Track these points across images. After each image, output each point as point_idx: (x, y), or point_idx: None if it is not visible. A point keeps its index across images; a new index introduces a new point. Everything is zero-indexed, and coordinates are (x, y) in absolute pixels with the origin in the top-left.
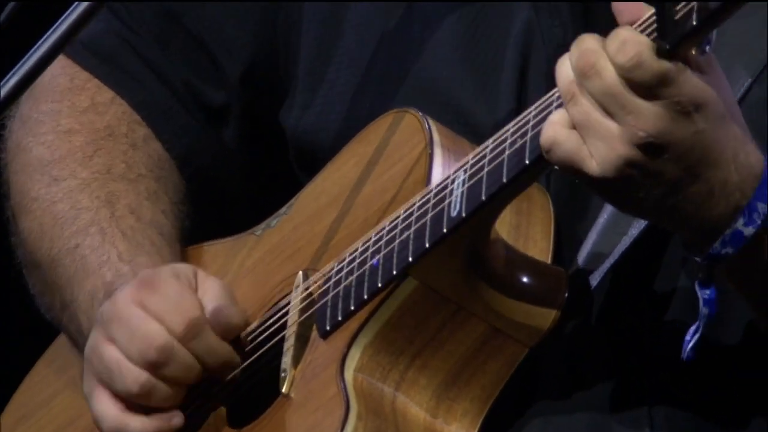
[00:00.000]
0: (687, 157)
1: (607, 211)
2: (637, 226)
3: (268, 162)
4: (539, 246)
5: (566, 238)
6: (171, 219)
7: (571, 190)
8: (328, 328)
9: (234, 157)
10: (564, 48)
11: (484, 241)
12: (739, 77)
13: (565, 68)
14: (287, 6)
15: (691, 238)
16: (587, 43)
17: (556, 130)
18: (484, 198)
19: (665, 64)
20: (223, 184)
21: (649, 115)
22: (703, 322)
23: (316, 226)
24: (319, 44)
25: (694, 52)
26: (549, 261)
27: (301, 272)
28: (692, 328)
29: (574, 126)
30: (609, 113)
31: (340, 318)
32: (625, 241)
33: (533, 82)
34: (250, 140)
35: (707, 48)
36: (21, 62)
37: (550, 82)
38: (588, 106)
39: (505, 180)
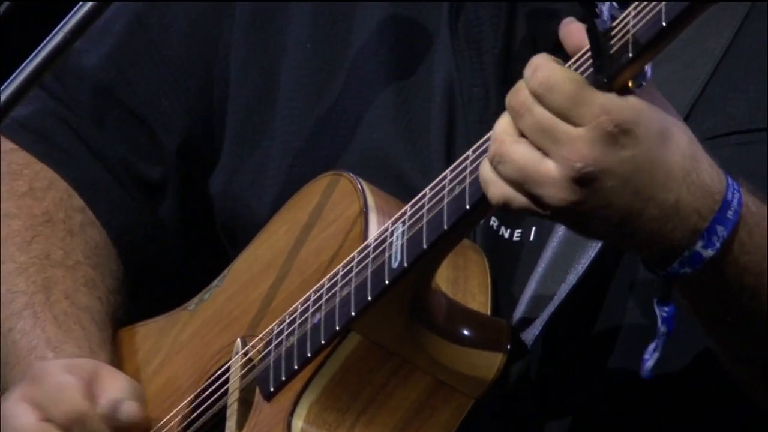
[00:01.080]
0: (632, 181)
1: (545, 261)
2: (575, 273)
3: (205, 235)
4: (478, 300)
5: (504, 291)
6: (106, 306)
7: (497, 246)
8: (272, 389)
9: (170, 233)
10: (486, 107)
11: (426, 293)
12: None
13: (502, 120)
14: (220, 75)
15: (651, 258)
16: (520, 83)
17: (500, 185)
18: (425, 246)
19: (576, 84)
20: (160, 260)
21: (579, 143)
22: (662, 340)
23: (251, 294)
24: (251, 111)
25: (630, 85)
26: (489, 314)
27: (239, 339)
28: (651, 347)
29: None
30: (545, 152)
31: (283, 378)
32: (564, 289)
33: (459, 143)
34: (187, 214)
35: (643, 81)
36: (23, 65)
37: (474, 142)
38: (526, 152)
39: (445, 227)
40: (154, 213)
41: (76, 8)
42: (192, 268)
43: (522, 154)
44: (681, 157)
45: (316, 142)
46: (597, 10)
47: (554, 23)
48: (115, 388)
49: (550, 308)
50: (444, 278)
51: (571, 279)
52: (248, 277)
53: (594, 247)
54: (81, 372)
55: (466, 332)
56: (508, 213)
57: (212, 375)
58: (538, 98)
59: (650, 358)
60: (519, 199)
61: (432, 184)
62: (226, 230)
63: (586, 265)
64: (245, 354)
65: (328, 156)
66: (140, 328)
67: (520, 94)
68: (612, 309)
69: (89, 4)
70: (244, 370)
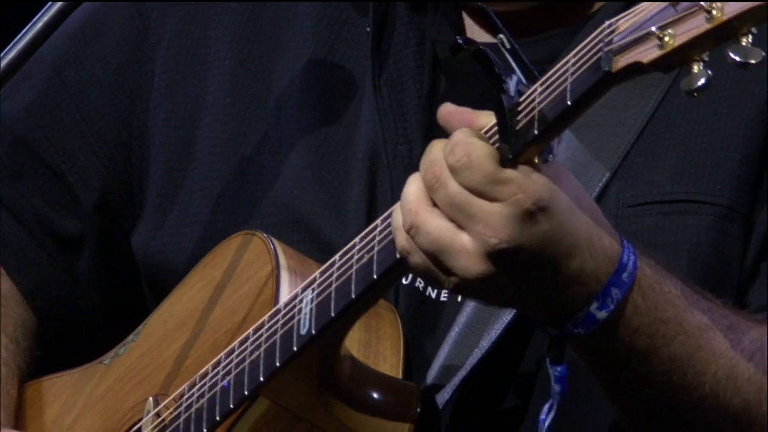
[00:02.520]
0: (540, 255)
1: (459, 325)
2: (488, 338)
3: (125, 289)
4: (389, 362)
5: (417, 354)
6: (12, 355)
7: (421, 307)
8: None
9: (88, 287)
10: (410, 164)
11: (335, 358)
12: (596, 174)
13: (413, 185)
14: (139, 131)
15: (545, 319)
16: (435, 153)
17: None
18: (333, 315)
19: (495, 163)
20: (76, 315)
21: (496, 220)
22: (555, 399)
23: (165, 351)
24: (171, 167)
25: (537, 161)
26: (400, 377)
27: (151, 398)
28: (546, 407)
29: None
30: (460, 225)
31: None
32: (477, 354)
33: (381, 201)
34: (106, 269)
35: (550, 156)
36: None
37: (398, 199)
38: (441, 225)
39: (353, 296)
40: (71, 268)
41: (44, 8)
42: (112, 320)
43: (436, 225)
44: (585, 225)
45: (235, 197)
46: (504, 85)
47: (476, 82)
48: None
49: (462, 373)
50: (356, 340)
51: (484, 344)
52: (163, 333)
53: (509, 312)
54: None
55: (375, 396)
56: (397, 279)
57: None
58: (455, 173)
59: (546, 418)
60: (432, 268)
61: (342, 252)
62: (150, 284)
63: (499, 331)
64: (157, 414)
65: (247, 211)
66: (57, 380)
67: (435, 164)
68: (524, 373)
69: (58, 5)
70: (155, 430)
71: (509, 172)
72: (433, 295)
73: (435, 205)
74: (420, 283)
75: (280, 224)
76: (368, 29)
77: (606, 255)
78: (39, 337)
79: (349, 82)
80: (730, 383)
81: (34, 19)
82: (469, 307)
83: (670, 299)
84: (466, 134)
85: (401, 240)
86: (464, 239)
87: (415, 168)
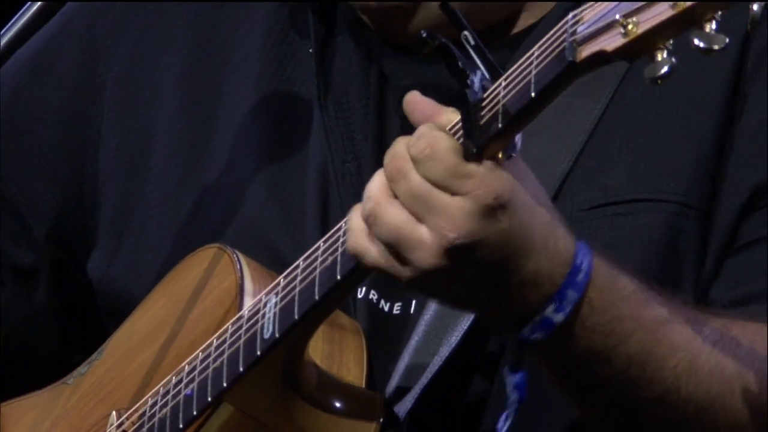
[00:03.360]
0: (498, 253)
1: (418, 333)
2: (448, 345)
3: (79, 317)
4: (353, 373)
5: (375, 367)
6: None
7: (376, 320)
8: None
9: (45, 316)
10: (359, 181)
11: (298, 363)
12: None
13: (377, 178)
14: (92, 160)
15: (502, 325)
16: (398, 147)
17: (363, 242)
18: (296, 317)
19: (459, 156)
20: (35, 344)
21: (456, 214)
22: (513, 408)
23: (129, 366)
24: (124, 192)
25: (500, 156)
26: (363, 387)
27: (114, 412)
28: (503, 416)
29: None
30: (419, 218)
31: None
32: (437, 361)
33: (333, 219)
34: (61, 298)
35: (513, 153)
36: None
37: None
38: (401, 216)
39: (317, 297)
40: (28, 298)
41: (23, 8)
42: (72, 347)
43: (396, 216)
44: (542, 227)
45: (191, 220)
46: (468, 81)
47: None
48: None
49: (423, 381)
50: (319, 352)
51: (444, 351)
52: (126, 349)
53: (467, 319)
54: None
55: (338, 404)
56: (360, 281)
57: None
58: (418, 165)
59: (504, 426)
60: (381, 257)
61: (305, 255)
62: (109, 311)
63: (458, 338)
64: (119, 426)
65: (204, 234)
66: (20, 403)
67: (398, 157)
68: (484, 379)
69: (37, 5)
70: None
71: (472, 167)
72: (386, 309)
73: (396, 197)
74: (374, 296)
75: (240, 245)
76: (311, 50)
77: (561, 257)
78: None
79: (298, 103)
80: (691, 376)
81: (13, 20)
82: (428, 315)
83: (625, 296)
84: (431, 127)
85: (353, 240)
86: (422, 231)
87: (364, 185)
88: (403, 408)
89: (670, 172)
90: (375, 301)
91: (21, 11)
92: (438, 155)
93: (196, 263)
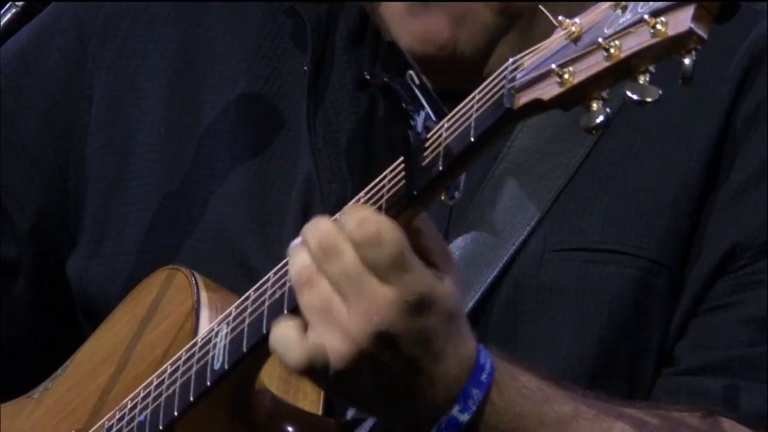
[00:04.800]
0: (412, 350)
1: None
2: None
3: (61, 317)
4: (309, 398)
5: None
6: None
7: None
8: None
9: (24, 313)
10: (344, 202)
11: (249, 393)
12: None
13: (300, 255)
14: (76, 158)
15: (408, 425)
16: (325, 225)
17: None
18: (245, 350)
19: (403, 248)
20: (11, 342)
21: (383, 301)
22: None
23: (90, 385)
24: (106, 195)
25: (444, 197)
26: (320, 413)
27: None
28: None
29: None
30: (345, 298)
31: None
32: None
33: None
34: (42, 295)
35: (456, 194)
36: None
37: None
38: (325, 293)
39: (264, 331)
40: (7, 293)
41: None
42: (50, 349)
43: (324, 290)
44: (456, 333)
45: (167, 226)
46: (412, 121)
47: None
48: None
49: None
50: (276, 377)
51: None
52: (89, 368)
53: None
54: None
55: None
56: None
57: None
58: (359, 247)
59: None
60: (299, 349)
61: (255, 286)
62: (86, 313)
63: None
64: None
65: (179, 241)
66: None
67: (330, 236)
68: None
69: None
70: None
71: (413, 262)
72: None
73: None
74: None
75: (213, 257)
76: (305, 68)
77: (467, 359)
78: None
79: (283, 118)
80: None
81: None
82: None
83: (527, 394)
84: (373, 211)
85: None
86: (344, 312)
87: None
88: None
89: (645, 226)
90: None
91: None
92: (384, 243)
93: (157, 284)
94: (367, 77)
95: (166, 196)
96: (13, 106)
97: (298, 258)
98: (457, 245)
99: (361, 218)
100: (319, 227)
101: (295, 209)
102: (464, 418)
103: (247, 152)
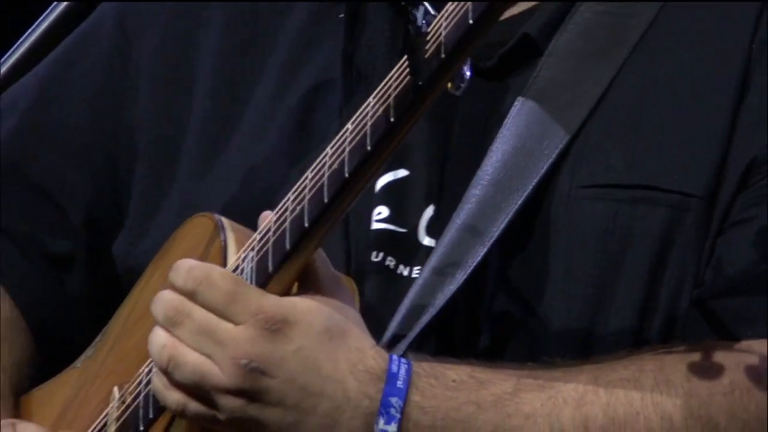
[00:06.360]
0: (299, 378)
1: (414, 289)
2: (443, 297)
3: (111, 303)
4: None
5: (373, 323)
6: (9, 376)
7: (390, 284)
8: (141, 428)
9: (80, 303)
10: None
11: None
12: (550, 145)
13: (156, 335)
14: (126, 144)
15: None
16: (166, 294)
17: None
18: (270, 269)
19: (235, 281)
20: (69, 331)
21: (241, 341)
22: None
23: (128, 343)
24: (155, 173)
25: (450, 87)
26: None
27: (116, 387)
28: None
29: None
30: (211, 356)
31: (151, 416)
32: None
33: None
34: (97, 283)
35: (461, 84)
36: None
37: None
38: (193, 362)
39: (288, 247)
40: (63, 285)
41: (49, 9)
42: (97, 330)
43: (194, 357)
44: (348, 351)
45: (210, 192)
46: (411, 15)
47: None
48: None
49: (408, 340)
50: None
51: (438, 303)
52: (126, 327)
53: (462, 276)
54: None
55: None
56: (329, 227)
57: (96, 427)
58: (196, 296)
59: None
60: (194, 405)
61: (276, 209)
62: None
63: (452, 292)
64: (122, 399)
65: (226, 211)
66: (37, 392)
67: (173, 301)
68: (476, 330)
69: (63, 5)
70: (119, 413)
71: (249, 292)
72: (405, 273)
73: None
74: (391, 262)
75: (256, 215)
76: (341, 16)
77: (373, 372)
78: (38, 358)
79: (323, 72)
80: None
81: (38, 21)
82: (426, 272)
83: (456, 386)
84: (197, 262)
85: (157, 380)
86: (216, 371)
87: None
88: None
89: (673, 159)
90: (392, 266)
91: (46, 12)
92: (214, 283)
93: (184, 233)
94: None
95: (211, 163)
96: (60, 102)
97: (155, 339)
98: (486, 170)
99: (188, 267)
100: (160, 299)
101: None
102: (393, 428)
103: (291, 113)
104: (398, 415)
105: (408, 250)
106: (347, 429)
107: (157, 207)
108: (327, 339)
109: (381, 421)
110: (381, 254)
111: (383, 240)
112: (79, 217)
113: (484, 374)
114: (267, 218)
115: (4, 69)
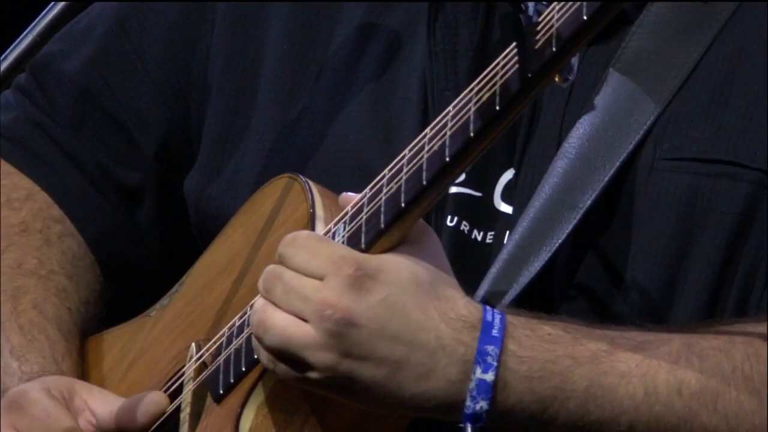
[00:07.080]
0: (388, 327)
1: (499, 262)
2: (527, 274)
3: (182, 237)
4: None
5: (469, 292)
6: (75, 316)
7: (465, 249)
8: (221, 391)
9: (148, 237)
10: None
11: None
12: (639, 118)
13: (256, 305)
14: (199, 79)
15: (442, 407)
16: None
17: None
18: (363, 247)
19: (316, 238)
20: (138, 264)
21: (328, 294)
22: None
23: (207, 298)
24: (229, 111)
25: (557, 79)
26: None
27: (194, 344)
28: None
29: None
30: (299, 315)
31: (232, 380)
32: (515, 290)
33: None
34: (165, 218)
35: (570, 76)
36: None
37: None
38: (282, 315)
39: (382, 226)
40: (132, 218)
41: (47, 8)
42: (169, 270)
43: (281, 318)
44: (437, 300)
45: (288, 143)
46: (523, 6)
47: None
48: (93, 403)
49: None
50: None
51: (523, 280)
52: (205, 281)
53: (547, 251)
54: (59, 392)
55: None
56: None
57: (169, 380)
58: (285, 259)
59: None
60: (283, 367)
61: (371, 185)
62: (201, 231)
63: (538, 268)
64: (199, 358)
65: (301, 158)
66: (107, 336)
67: (270, 270)
68: (563, 307)
69: (60, 5)
70: (198, 374)
71: (330, 246)
72: (479, 238)
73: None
74: (465, 227)
75: (337, 170)
76: None
77: (467, 320)
78: (105, 296)
79: (406, 26)
80: (651, 400)
81: (37, 20)
82: (510, 245)
83: (552, 339)
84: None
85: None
86: (306, 327)
87: None
88: None
89: (759, 136)
90: (467, 231)
91: (44, 11)
92: (297, 240)
93: (270, 193)
94: None
95: (288, 113)
96: (136, 33)
97: (255, 306)
98: (571, 143)
99: (290, 237)
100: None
101: (412, 115)
102: (490, 377)
103: (370, 65)
104: (495, 363)
105: (483, 214)
106: (443, 377)
107: (233, 148)
108: (414, 287)
109: (478, 370)
110: (456, 218)
111: (459, 204)
112: (152, 149)
113: (579, 332)
114: (350, 200)
115: (3, 68)
